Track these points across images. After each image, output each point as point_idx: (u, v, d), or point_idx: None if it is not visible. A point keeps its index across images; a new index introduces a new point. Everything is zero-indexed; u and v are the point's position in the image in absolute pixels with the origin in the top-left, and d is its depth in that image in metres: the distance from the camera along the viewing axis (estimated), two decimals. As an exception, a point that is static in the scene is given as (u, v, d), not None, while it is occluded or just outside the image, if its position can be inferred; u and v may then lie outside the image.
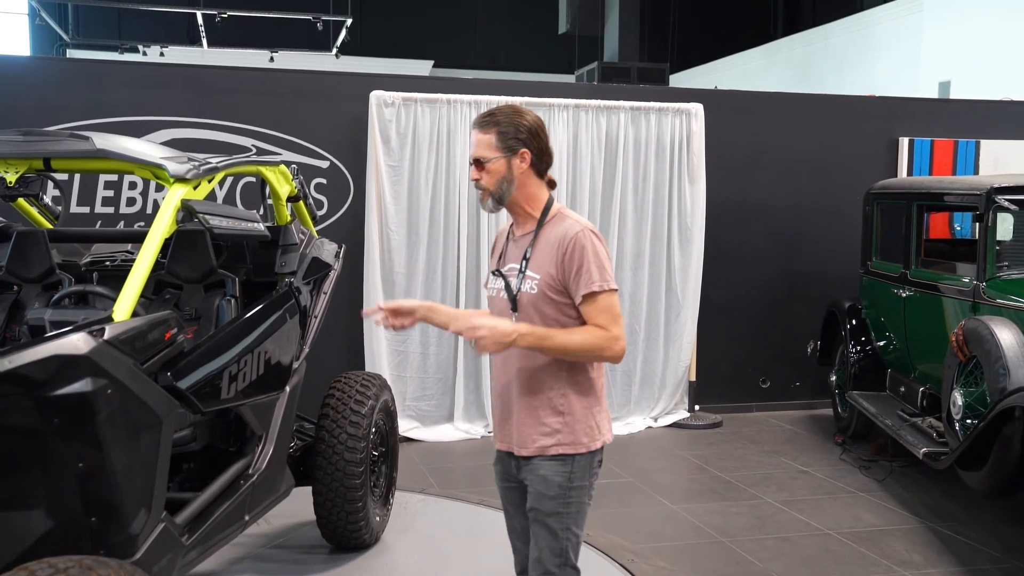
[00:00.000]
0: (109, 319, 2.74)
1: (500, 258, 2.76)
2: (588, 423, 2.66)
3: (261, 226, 3.25)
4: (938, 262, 5.98)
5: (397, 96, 6.50)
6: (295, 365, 3.89)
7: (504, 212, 2.73)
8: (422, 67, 16.08)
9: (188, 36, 15.76)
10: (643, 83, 10.78)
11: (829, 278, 7.42)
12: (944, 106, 8.71)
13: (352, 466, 4.09)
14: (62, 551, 2.48)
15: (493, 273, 2.75)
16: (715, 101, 7.27)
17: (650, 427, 7.04)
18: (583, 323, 2.58)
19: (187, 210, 3.07)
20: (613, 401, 7.09)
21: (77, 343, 2.54)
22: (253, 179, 6.35)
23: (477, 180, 2.65)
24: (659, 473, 6.02)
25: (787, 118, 7.55)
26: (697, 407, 7.25)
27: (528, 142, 2.62)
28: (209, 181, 3.30)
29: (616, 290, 2.57)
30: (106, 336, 2.62)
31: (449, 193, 6.61)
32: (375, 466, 4.40)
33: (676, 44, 16.89)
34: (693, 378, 7.20)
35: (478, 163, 2.64)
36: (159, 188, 6.39)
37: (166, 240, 3.07)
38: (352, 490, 4.11)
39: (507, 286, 2.66)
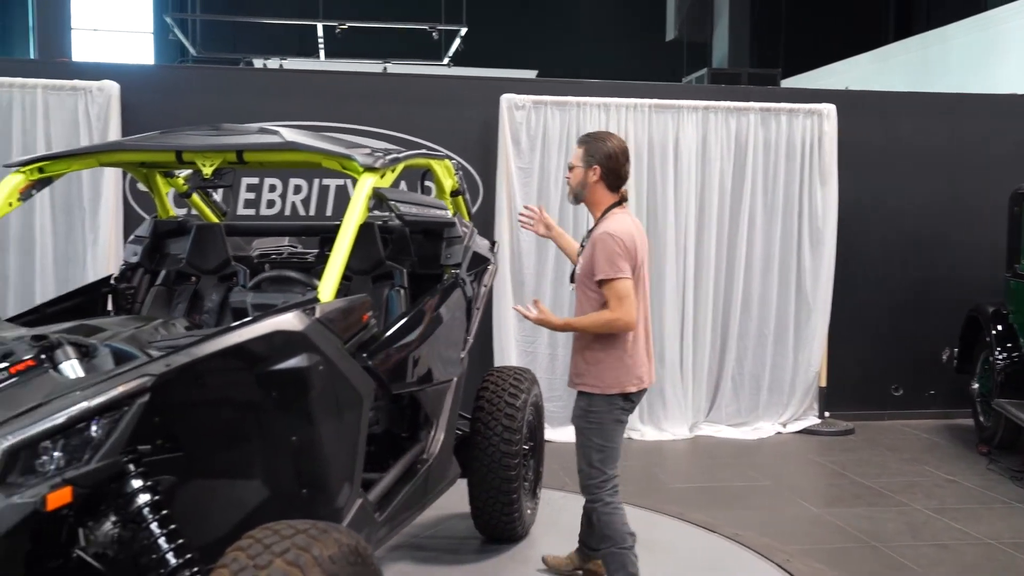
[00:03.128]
0: (316, 300, 2.83)
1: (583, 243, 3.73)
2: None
3: (448, 212, 3.32)
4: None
5: (528, 99, 6.57)
6: (462, 355, 3.95)
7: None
8: (527, 76, 16.16)
9: (300, 49, 16.25)
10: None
11: (964, 283, 7.18)
12: (1089, 105, 8.33)
13: (507, 458, 4.13)
14: (276, 520, 2.56)
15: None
16: (847, 101, 7.13)
17: (779, 433, 6.91)
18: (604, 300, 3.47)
19: (378, 198, 3.16)
20: (740, 406, 7.00)
21: (294, 320, 2.63)
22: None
23: (568, 179, 3.69)
24: (796, 477, 5.91)
25: (921, 118, 7.35)
26: (827, 413, 7.09)
27: (601, 161, 3.56)
28: (392, 171, 3.39)
29: (622, 278, 3.40)
30: (317, 315, 2.72)
31: (578, 195, 6.64)
32: (525, 459, 4.44)
33: (784, 49, 16.60)
34: (823, 383, 7.05)
35: (569, 167, 3.67)
36: (296, 191, 6.61)
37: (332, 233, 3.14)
38: (507, 482, 4.16)
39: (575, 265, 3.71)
